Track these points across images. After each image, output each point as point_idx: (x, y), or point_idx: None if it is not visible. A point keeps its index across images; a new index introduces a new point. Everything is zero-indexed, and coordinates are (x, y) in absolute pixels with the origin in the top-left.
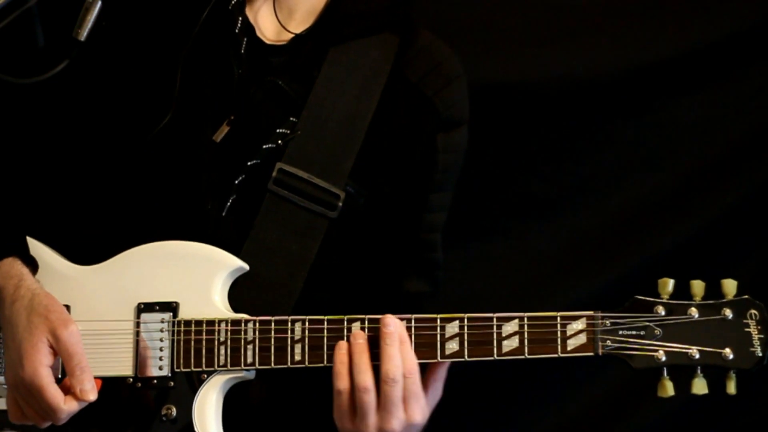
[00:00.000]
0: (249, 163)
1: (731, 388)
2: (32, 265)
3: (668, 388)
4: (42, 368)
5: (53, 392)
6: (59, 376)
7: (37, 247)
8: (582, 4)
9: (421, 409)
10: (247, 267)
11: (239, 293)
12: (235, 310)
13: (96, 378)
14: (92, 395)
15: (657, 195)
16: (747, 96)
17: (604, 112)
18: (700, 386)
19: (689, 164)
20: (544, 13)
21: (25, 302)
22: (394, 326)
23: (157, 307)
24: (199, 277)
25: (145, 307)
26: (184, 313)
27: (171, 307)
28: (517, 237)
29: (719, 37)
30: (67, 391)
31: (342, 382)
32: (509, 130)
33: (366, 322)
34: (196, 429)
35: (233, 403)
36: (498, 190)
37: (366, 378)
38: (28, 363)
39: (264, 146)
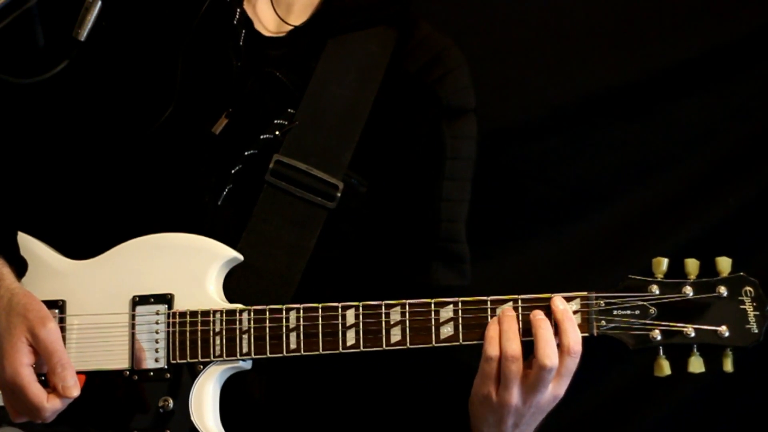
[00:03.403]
0: (246, 153)
1: (728, 365)
2: (16, 264)
3: (664, 368)
4: (22, 368)
5: (35, 391)
6: None
7: (31, 243)
8: (584, 8)
9: (565, 387)
10: (241, 257)
11: (238, 284)
12: (234, 301)
13: (81, 373)
14: (75, 391)
15: (661, 197)
16: (748, 99)
17: (607, 115)
18: (696, 365)
19: (694, 167)
20: (546, 15)
21: (4, 302)
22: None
23: (152, 300)
24: (193, 268)
25: (140, 300)
26: (179, 305)
27: (166, 299)
28: (520, 240)
29: (721, 42)
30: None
31: (492, 349)
32: (509, 131)
33: (360, 309)
34: (193, 420)
35: (233, 399)
36: (501, 195)
37: (514, 346)
38: (8, 364)
39: (261, 136)
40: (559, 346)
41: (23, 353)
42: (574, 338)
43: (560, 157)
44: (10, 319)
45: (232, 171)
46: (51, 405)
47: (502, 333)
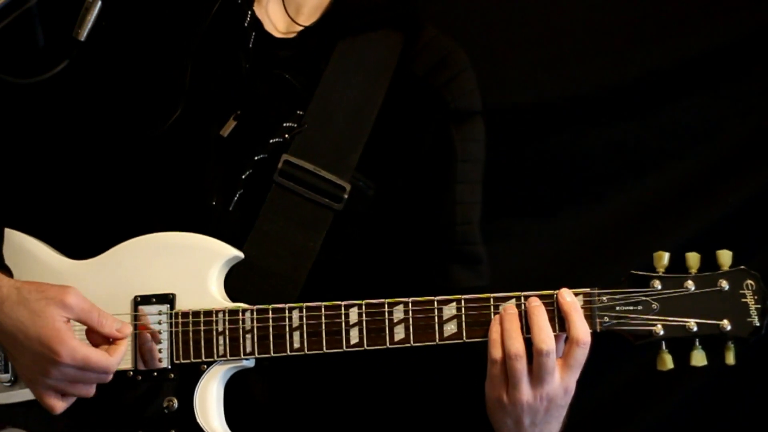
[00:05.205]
0: (256, 158)
1: (730, 358)
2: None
3: (667, 362)
4: (75, 342)
5: (98, 354)
6: None
7: (31, 243)
8: (585, 8)
9: (575, 379)
10: (242, 255)
11: (243, 284)
12: (239, 300)
13: None
14: (128, 328)
15: (661, 194)
16: (748, 99)
17: (607, 114)
18: (698, 358)
19: (694, 164)
20: (547, 16)
21: (13, 299)
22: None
23: (154, 300)
24: (194, 267)
25: (142, 300)
26: (182, 305)
27: (168, 299)
28: (521, 238)
29: (721, 42)
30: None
31: (497, 351)
32: (509, 130)
33: (363, 307)
34: (198, 419)
35: (237, 398)
36: (502, 192)
37: (517, 345)
38: (61, 346)
39: (271, 140)
40: (568, 337)
41: (67, 328)
42: (583, 329)
43: (561, 155)
44: (32, 305)
45: (243, 176)
46: (116, 357)
47: (504, 332)
